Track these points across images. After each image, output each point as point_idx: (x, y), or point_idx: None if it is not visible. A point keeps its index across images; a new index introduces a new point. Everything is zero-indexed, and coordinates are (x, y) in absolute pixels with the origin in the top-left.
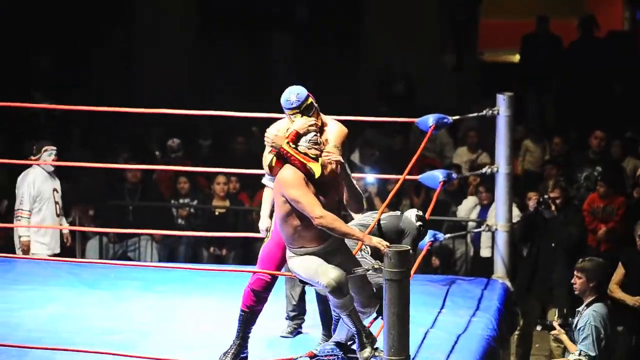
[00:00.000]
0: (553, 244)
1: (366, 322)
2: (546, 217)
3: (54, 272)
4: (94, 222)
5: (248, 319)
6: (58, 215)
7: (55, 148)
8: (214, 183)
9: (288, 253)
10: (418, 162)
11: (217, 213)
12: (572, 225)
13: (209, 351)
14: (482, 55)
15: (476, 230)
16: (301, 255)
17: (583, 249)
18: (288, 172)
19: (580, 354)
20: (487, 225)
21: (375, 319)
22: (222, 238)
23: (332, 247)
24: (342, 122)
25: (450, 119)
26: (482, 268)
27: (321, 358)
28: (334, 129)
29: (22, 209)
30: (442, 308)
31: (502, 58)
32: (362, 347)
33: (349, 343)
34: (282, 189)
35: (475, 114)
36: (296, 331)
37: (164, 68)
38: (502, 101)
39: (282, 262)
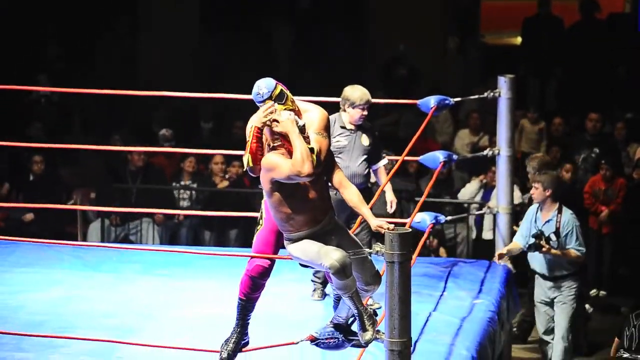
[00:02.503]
0: None
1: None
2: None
3: (57, 255)
4: (95, 205)
5: (246, 306)
6: None
7: None
8: (212, 163)
9: (285, 241)
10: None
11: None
12: None
13: (211, 334)
14: (484, 37)
15: (477, 212)
16: (298, 240)
17: None
18: (270, 157)
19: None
20: (489, 207)
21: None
22: (224, 217)
23: (328, 228)
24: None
25: (452, 100)
26: (483, 250)
27: (322, 341)
28: (315, 114)
29: None
30: (443, 291)
31: (504, 41)
32: (363, 329)
33: (349, 322)
34: (271, 173)
35: (476, 96)
36: (325, 295)
37: (168, 58)
38: (503, 83)
39: (277, 248)
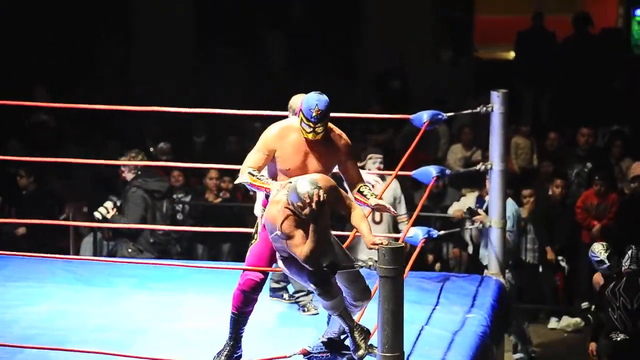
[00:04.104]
0: None
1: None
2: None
3: (49, 269)
4: (88, 219)
5: (239, 320)
6: None
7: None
8: (207, 178)
9: (279, 257)
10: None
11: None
12: None
13: (204, 348)
14: (477, 52)
15: (470, 227)
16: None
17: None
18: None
19: None
20: (481, 221)
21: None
22: (216, 233)
23: (325, 248)
24: (337, 118)
25: (445, 115)
26: (476, 265)
27: (314, 355)
28: (344, 142)
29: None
30: (436, 305)
31: (497, 55)
32: (356, 345)
33: (342, 337)
34: (287, 241)
35: (469, 111)
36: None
37: (161, 66)
38: (496, 98)
39: (270, 263)
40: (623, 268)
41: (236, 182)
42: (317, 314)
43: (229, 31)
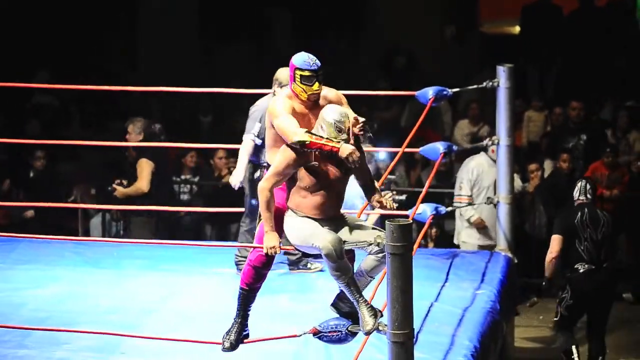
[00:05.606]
0: None
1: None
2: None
3: (58, 251)
4: (96, 201)
5: (248, 296)
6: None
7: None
8: (215, 157)
9: (288, 212)
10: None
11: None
12: None
13: (213, 328)
14: (482, 26)
15: (478, 203)
16: (300, 217)
17: None
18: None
19: None
20: (489, 197)
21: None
22: (226, 213)
23: (330, 224)
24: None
25: (450, 91)
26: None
27: (324, 334)
28: (337, 96)
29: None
30: (445, 281)
31: (503, 29)
32: (364, 319)
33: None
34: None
35: (475, 86)
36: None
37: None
38: (502, 73)
39: (281, 241)
40: (575, 201)
41: (294, 140)
42: (322, 270)
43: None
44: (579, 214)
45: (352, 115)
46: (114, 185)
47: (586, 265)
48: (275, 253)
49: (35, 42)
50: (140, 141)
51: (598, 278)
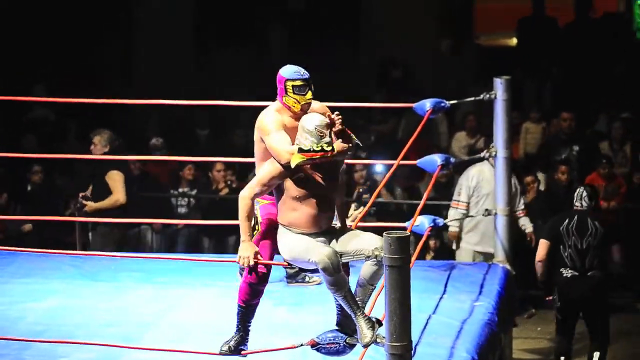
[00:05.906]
0: None
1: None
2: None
3: (55, 265)
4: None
5: (246, 313)
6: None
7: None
8: (214, 170)
9: (280, 228)
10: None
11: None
12: None
13: (210, 341)
14: (478, 39)
15: (475, 215)
16: (295, 233)
17: None
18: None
19: None
20: (487, 209)
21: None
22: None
23: (323, 237)
24: (339, 108)
25: (448, 103)
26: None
27: (322, 346)
28: (322, 107)
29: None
30: (443, 293)
31: (499, 42)
32: (362, 331)
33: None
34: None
35: (472, 98)
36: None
37: (163, 60)
38: (499, 85)
39: (273, 253)
40: (573, 206)
41: (293, 163)
42: (320, 283)
43: (229, 24)
44: (567, 220)
45: (325, 116)
46: (83, 201)
47: (570, 271)
48: (249, 264)
49: (31, 56)
50: (106, 153)
51: (582, 286)
